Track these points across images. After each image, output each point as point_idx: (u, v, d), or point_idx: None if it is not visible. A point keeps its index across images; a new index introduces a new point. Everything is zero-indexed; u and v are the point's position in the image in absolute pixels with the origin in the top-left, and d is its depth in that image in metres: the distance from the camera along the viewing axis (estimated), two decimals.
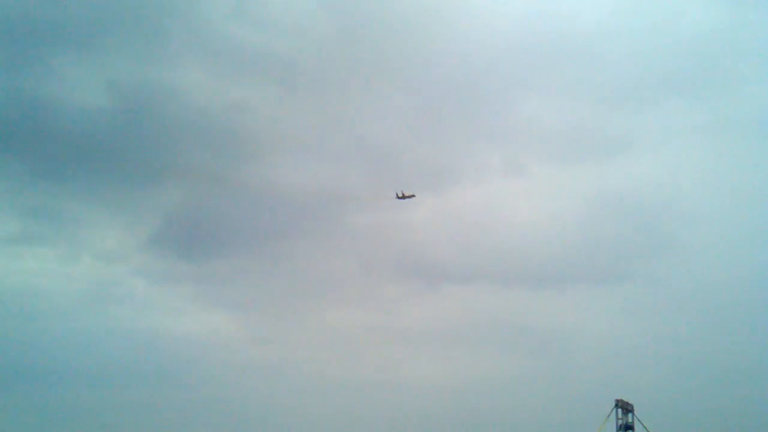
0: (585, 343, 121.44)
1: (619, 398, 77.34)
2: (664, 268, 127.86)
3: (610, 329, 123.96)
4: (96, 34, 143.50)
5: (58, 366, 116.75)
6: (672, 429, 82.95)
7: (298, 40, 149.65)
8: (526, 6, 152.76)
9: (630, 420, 77.25)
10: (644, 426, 76.97)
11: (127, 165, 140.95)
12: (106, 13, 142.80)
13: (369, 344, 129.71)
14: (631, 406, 77.49)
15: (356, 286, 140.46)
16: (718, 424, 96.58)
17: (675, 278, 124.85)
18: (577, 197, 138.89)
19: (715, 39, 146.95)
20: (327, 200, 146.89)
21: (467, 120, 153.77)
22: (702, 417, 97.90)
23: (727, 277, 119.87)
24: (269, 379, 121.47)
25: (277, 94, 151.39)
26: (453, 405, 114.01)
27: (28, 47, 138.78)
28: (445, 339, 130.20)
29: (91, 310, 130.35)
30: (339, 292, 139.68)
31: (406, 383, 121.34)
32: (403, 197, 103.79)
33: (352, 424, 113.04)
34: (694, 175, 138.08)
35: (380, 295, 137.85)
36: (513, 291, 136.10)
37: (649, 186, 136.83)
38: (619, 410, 77.27)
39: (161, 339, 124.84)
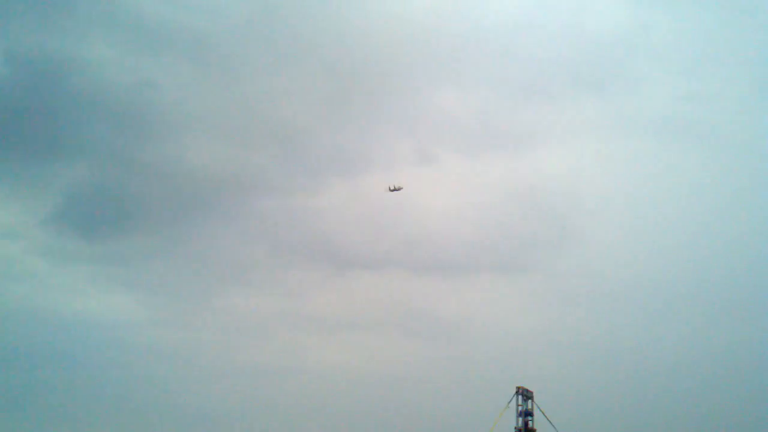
0: (491, 331, 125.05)
1: (520, 385, 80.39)
2: (567, 261, 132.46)
3: (514, 318, 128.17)
4: None
5: None
6: (568, 415, 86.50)
7: (210, 17, 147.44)
8: None
9: (530, 406, 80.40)
10: (542, 412, 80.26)
11: (27, 139, 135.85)
12: None
13: (276, 329, 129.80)
14: (531, 393, 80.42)
15: (264, 270, 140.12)
16: (612, 410, 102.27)
17: (576, 270, 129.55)
18: (486, 188, 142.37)
19: (618, 39, 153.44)
20: (236, 182, 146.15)
21: (379, 107, 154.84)
22: (596, 403, 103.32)
23: (626, 272, 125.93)
24: (172, 363, 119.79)
25: (187, 72, 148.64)
26: (359, 392, 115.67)
27: None
28: (353, 325, 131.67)
29: None
30: (246, 276, 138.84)
31: (313, 369, 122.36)
32: (395, 189, 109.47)
33: (257, 410, 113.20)
34: (597, 171, 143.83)
35: (288, 280, 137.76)
36: (422, 278, 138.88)
37: (554, 180, 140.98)
38: (520, 397, 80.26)
39: (61, 319, 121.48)
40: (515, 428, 78.91)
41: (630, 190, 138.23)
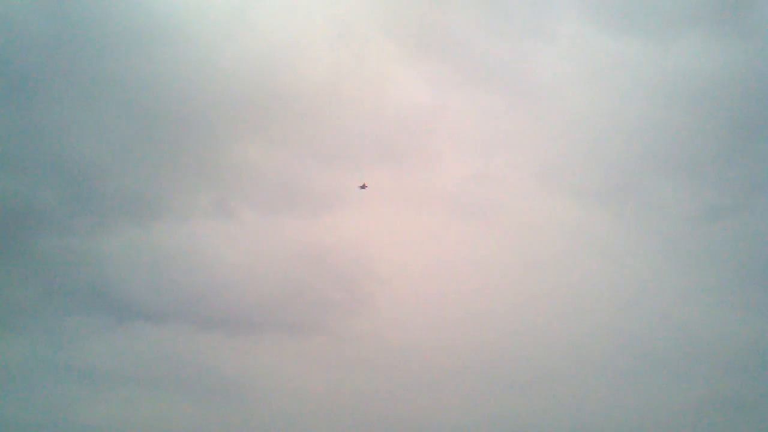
0: (273, 392, 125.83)
1: None
2: (355, 325, 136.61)
3: (298, 379, 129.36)
4: None
5: None
6: None
7: (6, 35, 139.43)
8: (257, 51, 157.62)
9: None
10: None
11: None
12: None
13: (43, 380, 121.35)
14: None
15: (35, 315, 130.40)
16: None
17: (363, 335, 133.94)
18: (282, 247, 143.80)
19: (418, 116, 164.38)
20: (11, 216, 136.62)
21: (180, 154, 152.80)
22: None
23: (412, 339, 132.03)
24: None
25: None
26: None
27: None
28: (129, 380, 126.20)
29: None
30: (13, 320, 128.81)
31: (81, 426, 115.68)
32: (363, 187, 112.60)
33: None
34: (390, 240, 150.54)
35: (62, 328, 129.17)
36: (207, 334, 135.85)
37: (349, 245, 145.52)
38: None
39: None
40: None
41: (420, 261, 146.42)
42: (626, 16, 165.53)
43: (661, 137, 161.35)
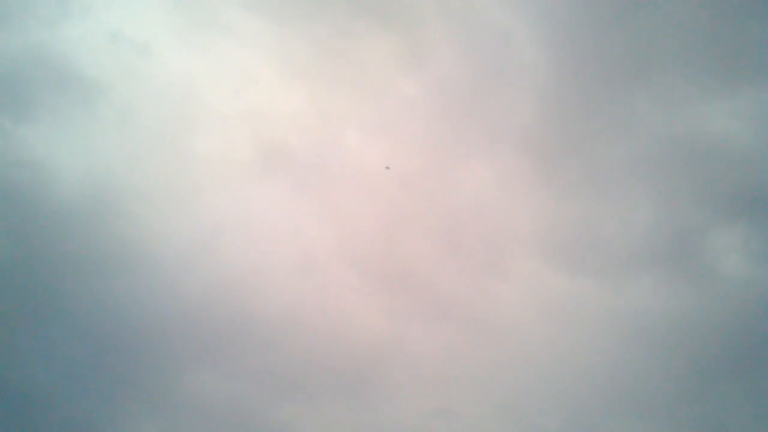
0: None
1: None
2: None
3: None
4: None
5: None
6: None
7: None
8: (219, 279, 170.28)
9: None
10: None
11: None
12: None
13: None
14: None
15: None
16: None
17: None
18: None
19: (377, 348, 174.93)
20: None
21: (133, 384, 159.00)
22: None
23: None
24: None
25: None
26: None
27: None
28: None
29: None
30: None
31: None
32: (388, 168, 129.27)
33: None
34: None
35: None
36: None
37: None
38: None
39: None
40: None
41: None
42: (579, 257, 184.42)
43: (620, 376, 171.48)
